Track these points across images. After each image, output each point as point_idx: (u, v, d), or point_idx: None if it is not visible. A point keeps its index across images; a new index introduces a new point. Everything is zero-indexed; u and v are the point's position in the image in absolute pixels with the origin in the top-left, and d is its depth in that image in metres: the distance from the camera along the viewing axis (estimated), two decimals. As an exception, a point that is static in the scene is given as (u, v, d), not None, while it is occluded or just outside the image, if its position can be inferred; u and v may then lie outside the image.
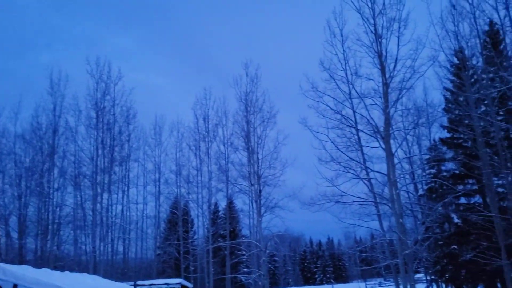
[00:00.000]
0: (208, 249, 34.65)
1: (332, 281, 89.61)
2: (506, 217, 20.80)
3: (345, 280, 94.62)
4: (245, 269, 36.61)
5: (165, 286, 28.59)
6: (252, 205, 30.84)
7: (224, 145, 35.41)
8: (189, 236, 39.72)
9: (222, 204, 43.81)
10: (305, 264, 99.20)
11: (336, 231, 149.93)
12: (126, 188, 38.04)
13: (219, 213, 48.24)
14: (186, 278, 34.34)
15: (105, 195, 33.66)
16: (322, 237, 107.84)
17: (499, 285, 24.47)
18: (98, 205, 32.36)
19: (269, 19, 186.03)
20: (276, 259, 72.73)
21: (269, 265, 42.30)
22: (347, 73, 21.58)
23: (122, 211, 37.05)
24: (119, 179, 36.59)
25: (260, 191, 30.82)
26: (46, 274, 11.03)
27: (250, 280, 31.23)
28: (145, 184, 40.63)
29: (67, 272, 14.19)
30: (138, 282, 28.13)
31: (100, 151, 33.43)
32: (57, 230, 33.41)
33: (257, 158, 31.69)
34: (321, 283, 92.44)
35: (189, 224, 42.43)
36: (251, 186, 30.45)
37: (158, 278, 36.03)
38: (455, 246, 23.55)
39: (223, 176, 34.42)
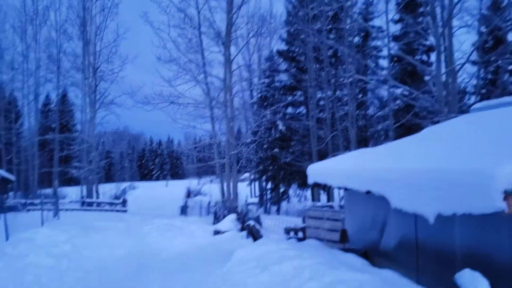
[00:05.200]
0: (33, 141, 32.32)
1: (169, 177, 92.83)
2: (322, 126, 23.64)
3: (181, 177, 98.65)
4: (77, 163, 35.45)
5: None
6: (86, 99, 29.11)
7: (56, 32, 31.66)
8: (13, 127, 36.11)
9: (54, 96, 40.37)
10: (143, 161, 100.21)
11: (177, 132, 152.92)
12: None
13: (51, 106, 44.63)
14: (9, 171, 31.83)
15: None
16: (163, 137, 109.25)
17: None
18: None
19: None
20: (113, 155, 71.70)
21: (104, 161, 41.47)
22: (194, -32, 20.76)
23: None
24: None
25: (96, 85, 29.23)
26: None
27: (80, 175, 30.53)
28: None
29: None
30: None
31: None
32: None
33: (94, 50, 29.53)
34: (157, 179, 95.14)
35: (13, 114, 38.47)
36: (85, 80, 28.57)
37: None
38: (277, 150, 26.12)
39: (54, 67, 31.27)
